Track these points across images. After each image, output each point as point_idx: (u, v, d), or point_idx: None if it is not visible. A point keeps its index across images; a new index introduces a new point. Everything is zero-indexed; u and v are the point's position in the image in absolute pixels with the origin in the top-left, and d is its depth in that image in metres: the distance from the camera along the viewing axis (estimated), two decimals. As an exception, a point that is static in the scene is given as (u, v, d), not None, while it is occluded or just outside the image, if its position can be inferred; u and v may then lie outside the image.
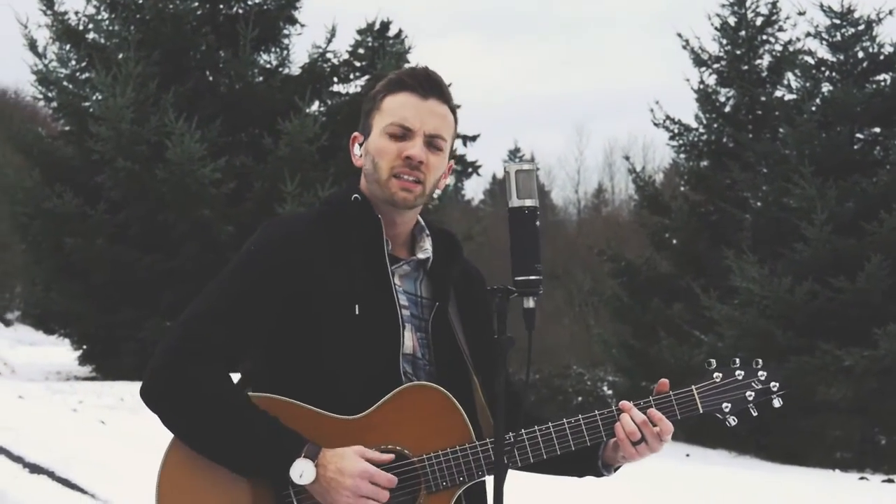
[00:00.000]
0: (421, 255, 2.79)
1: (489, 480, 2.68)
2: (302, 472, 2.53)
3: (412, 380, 2.70)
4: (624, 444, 2.72)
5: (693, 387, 2.80)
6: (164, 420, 2.62)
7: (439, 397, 2.66)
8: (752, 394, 2.82)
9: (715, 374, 2.82)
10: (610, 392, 21.92)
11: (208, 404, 2.56)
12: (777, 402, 2.85)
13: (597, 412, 2.74)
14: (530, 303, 2.52)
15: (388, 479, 2.56)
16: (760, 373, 2.84)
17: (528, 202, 2.53)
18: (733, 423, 2.81)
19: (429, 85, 2.76)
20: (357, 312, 2.64)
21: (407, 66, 2.81)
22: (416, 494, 2.62)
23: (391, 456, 2.60)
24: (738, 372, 2.83)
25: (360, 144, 2.79)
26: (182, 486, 2.62)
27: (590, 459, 2.82)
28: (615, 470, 2.86)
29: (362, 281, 2.67)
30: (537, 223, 2.54)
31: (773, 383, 2.84)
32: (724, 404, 2.80)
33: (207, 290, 2.68)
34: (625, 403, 2.74)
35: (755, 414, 2.82)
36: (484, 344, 2.77)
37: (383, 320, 2.68)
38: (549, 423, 2.70)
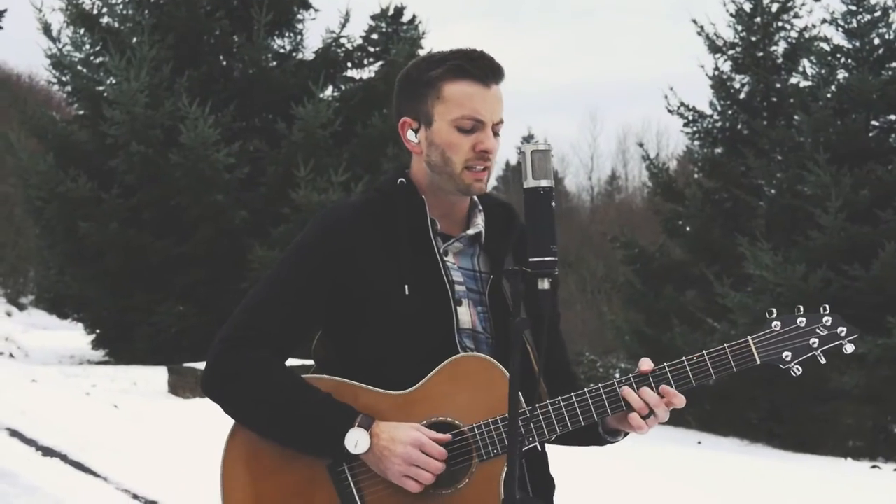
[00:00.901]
0: (471, 231, 2.80)
1: (550, 448, 2.72)
2: (357, 441, 2.58)
3: None
4: (633, 418, 2.67)
5: (749, 337, 2.73)
6: (225, 407, 2.70)
7: (487, 366, 2.67)
8: (817, 340, 2.73)
9: (773, 324, 2.74)
10: (622, 379, 21.86)
11: (261, 387, 2.64)
12: (849, 348, 2.75)
13: (614, 380, 2.71)
14: (545, 284, 2.50)
15: (440, 451, 2.59)
16: (826, 319, 2.75)
17: (544, 183, 2.51)
18: (798, 373, 2.72)
19: (491, 71, 2.74)
20: (407, 293, 2.67)
21: (458, 48, 2.74)
22: (469, 463, 2.64)
23: (448, 436, 2.62)
24: (799, 319, 2.74)
25: (415, 130, 2.77)
26: (243, 472, 2.71)
27: (591, 428, 2.77)
28: (623, 435, 2.82)
29: (410, 261, 2.70)
30: (552, 204, 2.52)
31: (840, 329, 2.75)
32: (785, 353, 2.72)
33: (259, 283, 2.76)
34: (645, 365, 2.69)
35: (823, 361, 2.73)
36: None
37: (434, 298, 2.70)
38: (572, 394, 2.67)
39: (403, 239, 2.72)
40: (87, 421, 10.42)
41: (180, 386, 13.33)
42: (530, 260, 2.50)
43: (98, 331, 20.15)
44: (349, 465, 2.64)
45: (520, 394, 2.59)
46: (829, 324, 2.75)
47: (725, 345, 2.72)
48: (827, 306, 2.76)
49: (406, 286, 2.68)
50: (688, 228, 19.59)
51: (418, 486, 2.59)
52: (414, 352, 2.66)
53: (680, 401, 2.68)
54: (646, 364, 2.71)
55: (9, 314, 31.60)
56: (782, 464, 13.51)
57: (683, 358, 2.70)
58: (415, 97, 2.76)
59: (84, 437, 9.47)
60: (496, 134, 2.74)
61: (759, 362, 2.71)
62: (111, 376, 14.77)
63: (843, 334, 2.75)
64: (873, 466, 14.32)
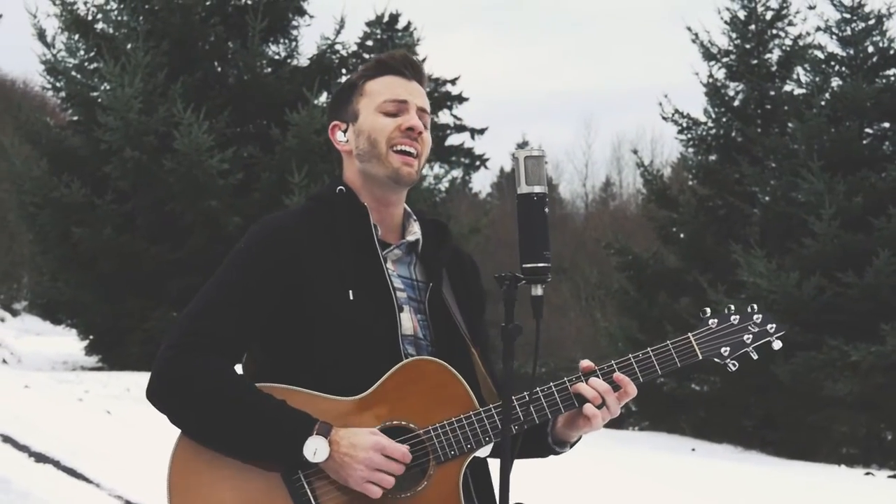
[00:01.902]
0: (410, 238, 2.83)
1: (493, 463, 2.71)
2: (315, 449, 2.55)
3: None
4: (587, 408, 2.71)
5: (690, 334, 2.82)
6: (172, 417, 2.65)
7: (438, 369, 2.68)
8: (750, 336, 2.84)
9: (710, 321, 2.84)
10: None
11: (213, 395, 2.59)
12: (777, 344, 2.86)
13: (564, 379, 2.75)
14: (538, 290, 2.52)
15: (402, 453, 2.58)
16: (756, 316, 2.86)
17: (537, 188, 2.53)
18: (734, 368, 2.83)
19: (411, 67, 2.83)
20: (351, 298, 2.67)
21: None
22: (426, 466, 2.64)
23: (405, 447, 2.61)
24: (733, 317, 2.85)
25: (343, 131, 2.83)
26: (193, 481, 2.63)
27: (539, 438, 2.81)
28: (570, 446, 2.85)
29: (354, 267, 2.71)
30: (546, 210, 2.54)
31: (769, 325, 2.86)
32: (723, 348, 2.82)
33: (202, 290, 2.72)
34: (585, 363, 2.79)
35: (755, 357, 2.84)
36: (477, 321, 2.86)
37: (379, 304, 2.72)
38: (525, 394, 2.69)
39: (346, 245, 2.73)
40: (79, 427, 10.40)
41: (174, 392, 13.30)
42: (523, 266, 2.52)
43: (91, 337, 20.10)
44: (304, 473, 2.60)
45: (480, 394, 2.66)
46: (759, 321, 2.86)
47: (668, 341, 2.80)
48: (755, 306, 2.88)
49: (350, 291, 2.68)
50: (682, 235, 19.62)
51: (380, 492, 2.58)
52: (358, 358, 2.66)
53: (632, 389, 2.74)
54: (586, 362, 2.80)
55: (2, 320, 31.53)
56: (776, 471, 13.52)
57: (630, 355, 2.79)
58: (341, 102, 2.85)
59: (77, 443, 9.45)
60: (425, 125, 2.79)
61: (700, 357, 2.81)
62: (104, 382, 14.74)
63: (772, 331, 2.87)
64: (867, 473, 14.34)
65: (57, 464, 8.79)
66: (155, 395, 2.67)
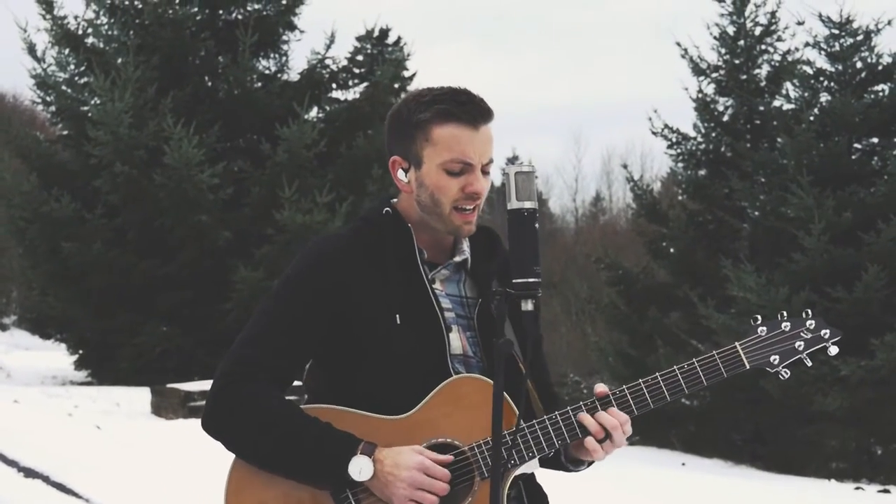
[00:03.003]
0: (458, 258, 2.85)
1: (546, 477, 2.76)
2: (361, 468, 2.60)
3: None
4: (588, 442, 2.71)
5: (737, 343, 2.78)
6: (227, 444, 2.72)
7: (482, 386, 2.70)
8: (802, 343, 2.80)
9: (759, 329, 2.80)
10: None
11: (262, 421, 2.65)
12: (833, 350, 2.81)
13: (568, 409, 2.74)
14: (528, 305, 2.53)
15: (443, 473, 2.61)
16: (809, 322, 2.82)
17: (528, 204, 2.55)
18: (786, 376, 2.79)
19: (479, 113, 2.77)
20: (398, 322, 2.71)
21: (449, 89, 2.77)
22: (472, 482, 2.66)
23: (450, 457, 2.65)
24: (784, 324, 2.81)
25: (405, 170, 2.80)
26: (246, 501, 2.71)
27: (557, 455, 2.82)
28: (587, 465, 2.86)
29: (400, 290, 2.74)
30: (536, 225, 2.55)
31: (823, 331, 2.82)
32: (773, 357, 2.78)
33: (253, 317, 2.78)
34: (599, 388, 2.77)
35: (809, 364, 2.80)
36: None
37: (425, 325, 2.74)
38: (534, 422, 2.71)
39: (392, 268, 2.75)
40: (69, 442, 10.37)
41: (163, 407, 13.28)
42: (514, 281, 2.53)
43: (81, 351, 20.06)
44: (352, 491, 2.65)
45: (531, 409, 2.68)
46: (812, 327, 2.82)
47: (714, 352, 2.77)
48: (809, 311, 2.82)
49: (397, 316, 2.71)
50: (672, 250, 19.63)
51: None
52: (407, 379, 2.69)
53: (628, 428, 2.74)
54: (600, 388, 2.77)
55: (-9, 334, 31.46)
56: (766, 485, 13.52)
57: (675, 367, 2.75)
58: (404, 138, 2.78)
59: (66, 458, 9.42)
60: (486, 173, 2.78)
61: (748, 367, 2.77)
62: (94, 397, 14.71)
63: (826, 336, 2.82)
64: (857, 488, 14.34)
65: (46, 479, 8.77)
66: (209, 424, 2.73)
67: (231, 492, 2.72)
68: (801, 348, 2.80)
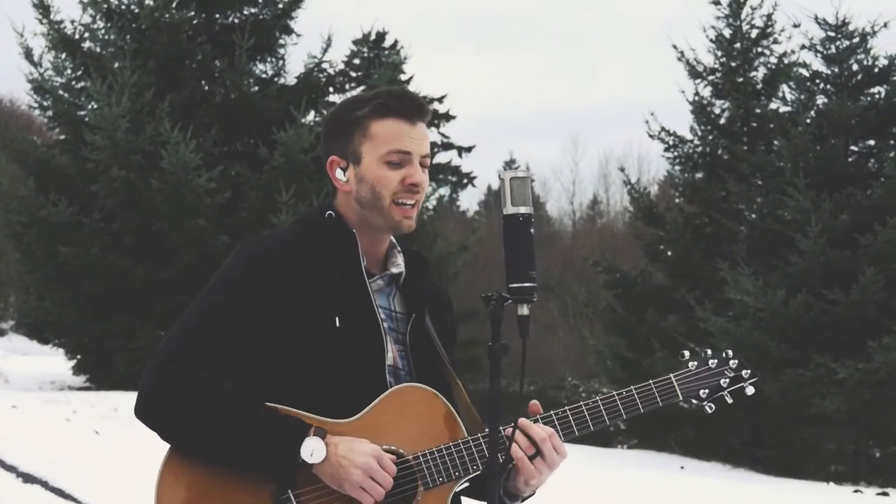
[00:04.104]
0: (394, 270, 2.85)
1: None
2: (313, 450, 2.56)
3: None
4: (522, 461, 2.71)
5: (671, 375, 2.91)
6: (162, 432, 2.66)
7: (429, 397, 2.72)
8: (727, 381, 2.94)
9: (690, 363, 2.93)
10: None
11: (206, 405, 2.60)
12: (750, 390, 2.96)
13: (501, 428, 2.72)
14: (524, 310, 2.55)
15: (391, 468, 2.61)
16: (732, 361, 2.95)
17: (523, 209, 2.56)
18: (711, 410, 2.93)
19: (415, 108, 2.81)
20: (337, 325, 2.69)
21: (385, 87, 2.84)
22: (414, 492, 2.66)
23: (392, 457, 2.64)
24: (711, 361, 2.94)
25: (343, 169, 2.81)
26: (180, 498, 2.64)
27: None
28: (521, 501, 2.84)
29: (340, 294, 2.72)
30: (531, 230, 2.57)
31: (744, 371, 2.96)
32: (702, 391, 2.91)
33: (189, 309, 2.73)
34: (532, 407, 2.80)
35: (730, 401, 2.94)
36: (451, 353, 2.89)
37: (365, 332, 2.74)
38: (468, 438, 2.73)
39: (333, 272, 2.74)
40: (67, 447, 10.36)
41: (161, 411, 13.27)
42: (510, 286, 2.54)
43: (79, 356, 20.05)
44: (295, 493, 2.60)
45: (464, 422, 2.71)
46: (734, 366, 2.96)
47: (651, 381, 2.89)
48: (730, 351, 2.98)
49: (337, 318, 2.69)
50: (669, 253, 19.65)
51: (372, 501, 2.59)
52: (344, 384, 2.68)
53: (557, 443, 2.75)
54: (534, 404, 2.81)
55: (-11, 339, 31.46)
56: (765, 488, 13.53)
57: (613, 392, 2.87)
58: (342, 137, 2.81)
59: (65, 464, 9.42)
60: (425, 168, 2.80)
61: (681, 398, 2.90)
62: (92, 402, 14.69)
63: (746, 376, 2.97)
64: (855, 491, 14.35)
65: (45, 484, 8.76)
66: (144, 411, 2.67)
67: (163, 488, 2.64)
68: (725, 385, 2.94)
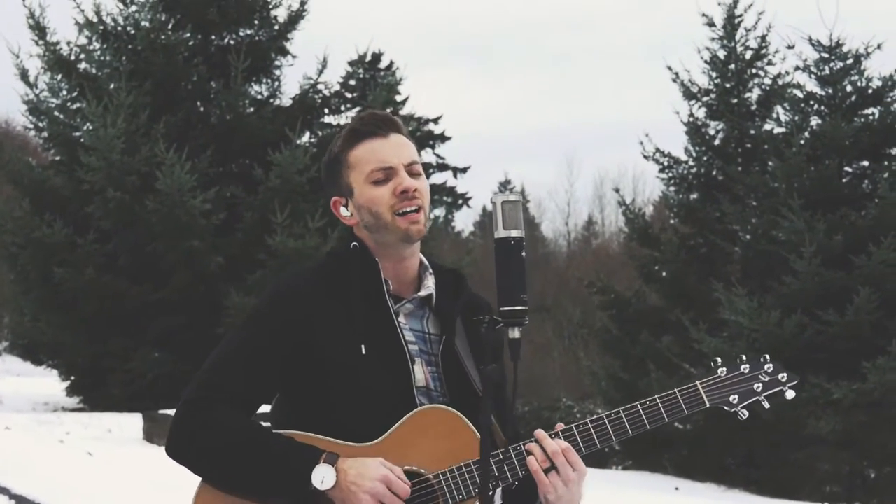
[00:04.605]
0: (423, 293, 2.89)
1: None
2: (324, 477, 2.62)
3: None
4: (538, 475, 2.72)
5: (697, 382, 2.87)
6: (192, 467, 2.76)
7: (449, 417, 2.75)
8: (761, 385, 2.89)
9: (720, 370, 2.88)
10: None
11: (227, 438, 2.69)
12: (790, 394, 2.91)
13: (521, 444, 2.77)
14: (515, 333, 2.56)
15: (403, 489, 2.64)
16: (767, 366, 2.91)
17: (514, 233, 2.58)
18: (744, 416, 2.88)
19: (383, 124, 2.86)
20: (364, 352, 2.75)
21: (358, 113, 2.92)
22: None
23: (403, 479, 2.67)
24: (743, 366, 2.90)
25: (345, 206, 2.88)
26: None
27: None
28: None
29: (366, 322, 2.78)
30: (523, 254, 2.59)
31: (781, 375, 2.91)
32: (732, 396, 2.87)
33: (218, 346, 2.84)
34: (539, 432, 2.78)
35: (767, 406, 2.89)
36: None
37: (391, 357, 2.78)
38: (499, 451, 2.75)
39: (358, 301, 2.79)
40: (61, 468, 10.34)
41: (155, 433, 13.24)
42: (501, 309, 2.56)
43: (73, 377, 20.01)
44: None
45: (494, 443, 2.69)
46: (770, 370, 2.91)
47: (676, 389, 2.85)
48: (767, 356, 2.92)
49: (363, 346, 2.75)
50: (664, 274, 19.66)
51: None
52: (373, 409, 2.73)
53: (573, 457, 2.74)
54: (557, 427, 2.82)
55: (-17, 360, 31.37)
56: (759, 509, 13.50)
57: (637, 403, 2.82)
58: (333, 177, 2.89)
59: (58, 485, 9.39)
60: (416, 174, 2.83)
61: (708, 405, 2.86)
62: (85, 423, 14.67)
63: (783, 380, 2.92)
64: (850, 511, 14.34)
65: (37, 506, 8.74)
66: (172, 449, 2.77)
67: None
68: (759, 390, 2.90)
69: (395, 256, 2.85)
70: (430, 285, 2.90)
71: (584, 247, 46.38)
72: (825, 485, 17.29)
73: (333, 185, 2.90)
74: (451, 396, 2.82)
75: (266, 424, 2.82)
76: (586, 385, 23.42)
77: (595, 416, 2.80)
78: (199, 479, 2.77)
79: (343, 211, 2.88)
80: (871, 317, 15.69)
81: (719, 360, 2.90)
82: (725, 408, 2.86)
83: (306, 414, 2.78)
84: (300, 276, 2.88)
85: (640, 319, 19.53)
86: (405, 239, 2.82)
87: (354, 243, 2.87)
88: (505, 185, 48.27)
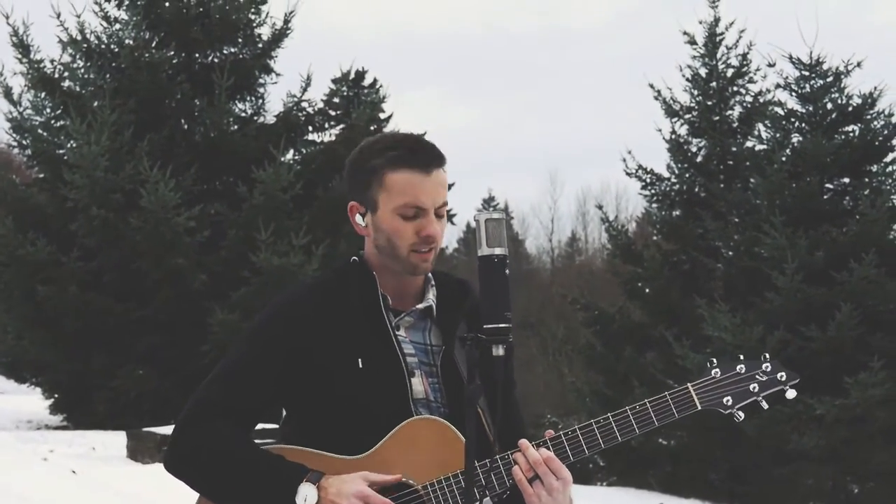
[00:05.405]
0: (421, 306, 2.91)
1: None
2: (306, 496, 2.67)
3: None
4: (522, 484, 2.73)
5: (689, 384, 2.82)
6: (188, 482, 2.81)
7: (440, 428, 2.77)
8: (757, 385, 2.81)
9: (713, 371, 2.82)
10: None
11: (218, 456, 2.74)
12: (791, 393, 2.83)
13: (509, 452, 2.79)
14: (499, 350, 2.58)
15: (382, 502, 2.66)
16: (765, 365, 2.84)
17: (498, 250, 2.60)
18: (741, 418, 2.80)
19: (431, 158, 2.83)
20: (360, 366, 2.78)
21: (395, 130, 2.93)
22: None
23: (397, 476, 2.72)
24: (739, 366, 2.83)
25: (362, 215, 2.89)
26: None
27: None
28: None
29: (363, 336, 2.81)
30: (507, 271, 2.61)
31: (780, 374, 2.83)
32: (726, 398, 2.80)
33: (219, 363, 2.89)
34: (523, 442, 2.78)
35: (765, 406, 2.81)
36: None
37: (388, 369, 2.81)
38: (487, 461, 2.75)
39: (356, 315, 2.83)
40: (44, 486, 10.31)
41: (139, 451, 13.22)
42: (485, 327, 2.58)
43: (56, 395, 19.91)
44: None
45: (490, 453, 2.73)
46: (768, 370, 2.83)
47: (667, 392, 2.79)
48: (767, 354, 2.85)
49: (359, 360, 2.78)
50: (647, 290, 19.71)
51: None
52: (370, 421, 2.76)
53: (555, 466, 2.73)
54: (547, 434, 2.82)
55: (-35, 379, 31.18)
56: (743, 525, 13.53)
57: (626, 408, 2.76)
58: (360, 184, 2.87)
59: (41, 503, 9.37)
60: (440, 216, 2.84)
61: (700, 408, 2.79)
62: (69, 441, 14.61)
63: (783, 379, 2.84)
64: (833, 527, 14.38)
65: (21, 524, 8.71)
66: (169, 465, 2.84)
67: None
68: (755, 390, 2.81)
69: (397, 275, 2.89)
70: (430, 297, 2.92)
71: (567, 263, 46.46)
72: (809, 500, 17.34)
73: (358, 191, 2.89)
74: (452, 407, 2.84)
75: (271, 441, 2.87)
76: (570, 401, 23.44)
77: (583, 423, 2.79)
78: (183, 496, 2.81)
79: (359, 219, 2.90)
80: (853, 333, 15.77)
81: (715, 360, 2.83)
82: (720, 410, 2.79)
83: (307, 428, 2.83)
84: (299, 292, 2.91)
85: (623, 335, 19.59)
86: (412, 272, 2.86)
87: (354, 258, 2.91)
88: (488, 203, 48.26)
